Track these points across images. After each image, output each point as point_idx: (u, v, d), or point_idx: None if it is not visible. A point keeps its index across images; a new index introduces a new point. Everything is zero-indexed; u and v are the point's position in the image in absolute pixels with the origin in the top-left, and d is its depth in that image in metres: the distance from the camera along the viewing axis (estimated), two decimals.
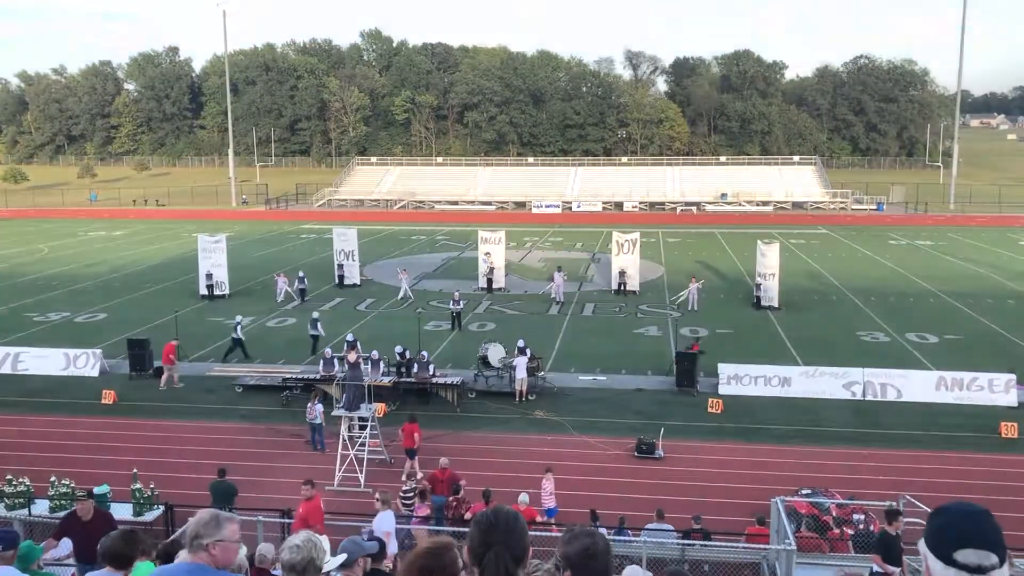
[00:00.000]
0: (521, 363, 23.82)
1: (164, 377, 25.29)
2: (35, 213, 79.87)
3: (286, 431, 21.51)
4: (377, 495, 13.58)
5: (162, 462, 19.17)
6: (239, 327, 28.57)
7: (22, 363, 26.92)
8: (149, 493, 15.73)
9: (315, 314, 30.93)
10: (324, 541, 4.60)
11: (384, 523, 12.80)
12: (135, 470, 16.43)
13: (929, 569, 2.44)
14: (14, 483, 15.57)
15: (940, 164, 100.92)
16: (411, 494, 15.71)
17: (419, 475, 18.11)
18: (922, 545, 2.48)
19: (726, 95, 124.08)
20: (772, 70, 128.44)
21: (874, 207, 79.62)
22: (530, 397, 23.86)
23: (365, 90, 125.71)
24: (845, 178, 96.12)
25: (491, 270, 39.64)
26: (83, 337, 30.63)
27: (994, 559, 2.38)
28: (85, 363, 26.70)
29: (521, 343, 24.67)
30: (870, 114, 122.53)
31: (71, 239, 59.78)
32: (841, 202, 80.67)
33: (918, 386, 23.80)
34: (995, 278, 42.86)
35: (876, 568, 11.82)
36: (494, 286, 39.49)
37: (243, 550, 8.03)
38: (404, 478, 17.72)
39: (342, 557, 5.77)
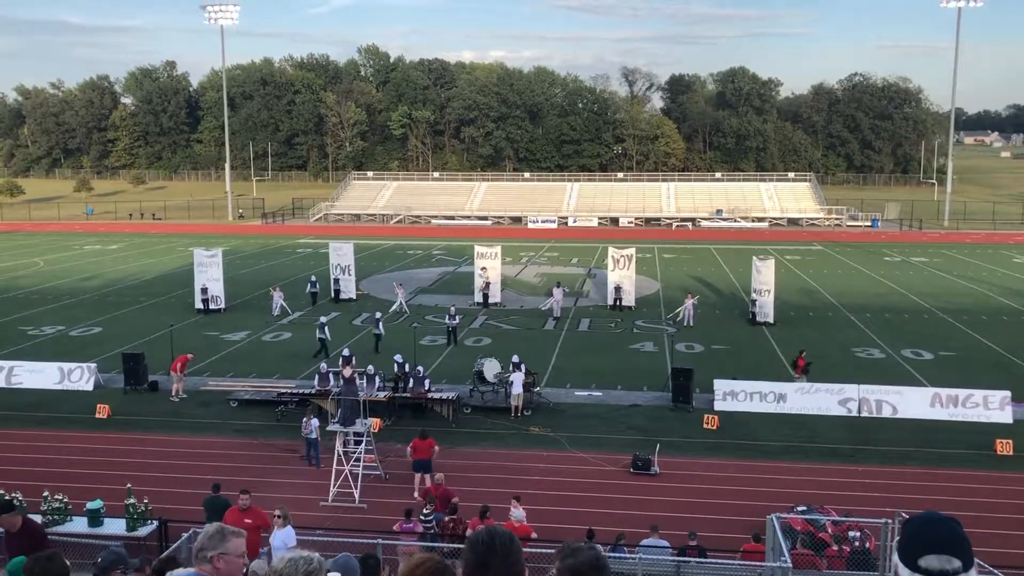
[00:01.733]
0: (517, 379, 23.80)
1: (174, 387, 25.54)
2: (31, 226, 79.79)
3: (281, 446, 21.46)
4: (277, 511, 13.38)
5: (156, 477, 19.10)
6: (324, 327, 30.23)
7: (16, 377, 26.83)
8: (143, 508, 15.66)
9: (378, 314, 32.78)
10: (319, 564, 4.56)
11: (287, 539, 12.63)
12: (129, 485, 16.35)
13: None
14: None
15: (934, 181, 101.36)
16: (431, 517, 15.53)
17: (415, 492, 18.06)
18: (895, 555, 2.55)
19: (721, 112, 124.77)
20: (767, 87, 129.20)
21: (869, 224, 79.83)
22: (526, 412, 23.83)
23: (362, 105, 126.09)
24: (840, 195, 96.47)
25: (487, 285, 39.66)
26: (78, 351, 30.58)
27: (957, 564, 2.44)
28: (79, 377, 26.63)
29: (515, 358, 24.64)
30: (865, 131, 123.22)
31: (67, 252, 59.71)
32: (836, 219, 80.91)
33: (913, 403, 23.83)
34: (990, 295, 42.99)
35: None
36: (490, 301, 39.50)
37: (259, 565, 7.98)
38: (417, 494, 17.64)
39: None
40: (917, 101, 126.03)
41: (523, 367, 24.32)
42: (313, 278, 40.92)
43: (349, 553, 6.89)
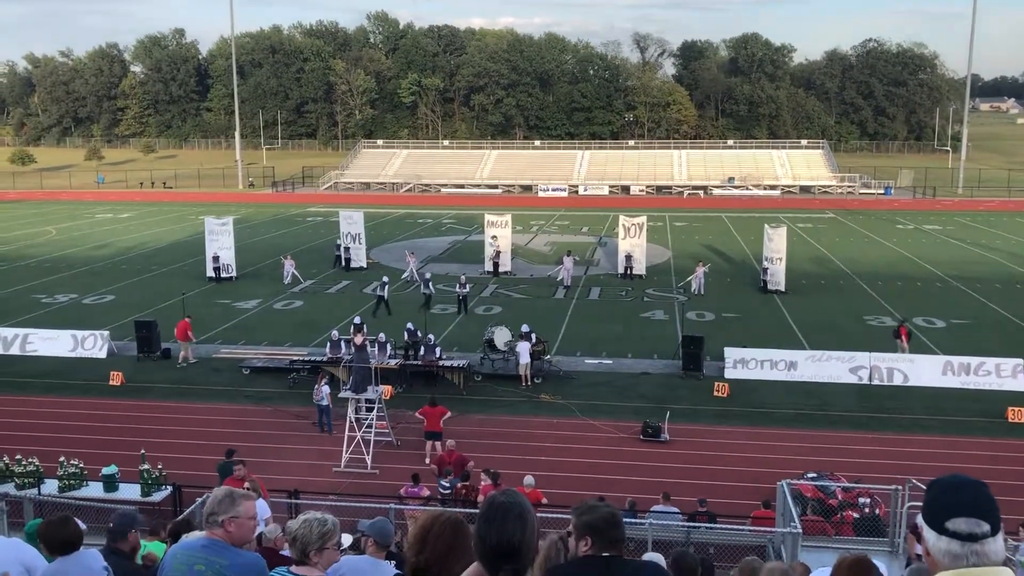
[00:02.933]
0: (524, 348, 23.79)
1: (182, 355, 25.71)
2: (42, 195, 79.98)
3: (293, 413, 21.62)
4: (247, 484, 13.42)
5: (170, 443, 19.29)
6: (385, 287, 31.98)
7: (31, 344, 27.06)
8: (157, 474, 15.82)
9: (428, 274, 34.49)
10: (333, 526, 4.58)
11: (262, 511, 12.67)
12: (143, 451, 16.53)
13: (925, 540, 2.47)
14: (24, 463, 15.69)
15: (949, 148, 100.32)
16: (449, 488, 15.61)
17: (427, 459, 18.19)
18: (919, 518, 2.52)
19: (734, 78, 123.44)
20: (780, 53, 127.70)
21: (882, 191, 79.19)
22: (536, 380, 23.89)
23: (371, 73, 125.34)
24: (853, 162, 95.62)
25: (497, 254, 39.62)
26: (91, 319, 30.76)
27: (985, 527, 2.40)
28: (93, 345, 26.82)
29: (525, 328, 24.66)
30: (878, 98, 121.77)
31: (78, 221, 59.88)
32: (849, 186, 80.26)
33: (925, 371, 23.78)
34: (1003, 263, 42.69)
35: None
36: (500, 270, 39.49)
37: (270, 530, 8.04)
38: (428, 461, 17.79)
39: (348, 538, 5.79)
40: (932, 67, 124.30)
41: (533, 336, 24.33)
42: (338, 241, 41.57)
43: (385, 518, 6.94)
